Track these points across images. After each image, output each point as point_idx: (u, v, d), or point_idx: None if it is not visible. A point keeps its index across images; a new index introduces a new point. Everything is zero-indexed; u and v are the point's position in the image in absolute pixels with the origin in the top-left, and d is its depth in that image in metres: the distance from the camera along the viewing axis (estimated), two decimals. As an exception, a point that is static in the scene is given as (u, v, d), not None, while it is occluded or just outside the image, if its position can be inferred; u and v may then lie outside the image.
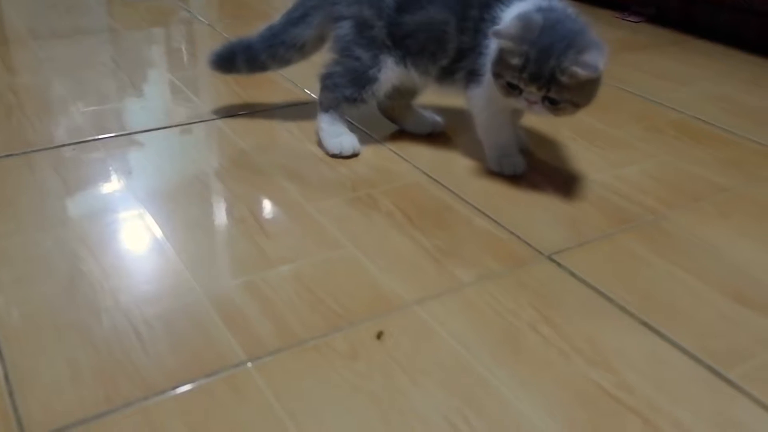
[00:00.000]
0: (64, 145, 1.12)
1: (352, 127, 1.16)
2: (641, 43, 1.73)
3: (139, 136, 1.16)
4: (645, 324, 0.76)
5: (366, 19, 1.05)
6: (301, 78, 1.36)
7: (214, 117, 1.24)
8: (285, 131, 1.20)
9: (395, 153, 1.13)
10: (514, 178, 1.05)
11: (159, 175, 1.05)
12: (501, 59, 0.93)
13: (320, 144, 1.13)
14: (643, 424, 0.64)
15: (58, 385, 0.66)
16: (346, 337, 0.73)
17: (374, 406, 0.65)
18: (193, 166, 1.07)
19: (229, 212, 0.95)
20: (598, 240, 0.91)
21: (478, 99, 1.02)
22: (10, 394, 0.65)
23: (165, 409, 0.64)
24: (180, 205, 0.96)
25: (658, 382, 0.69)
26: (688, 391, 0.68)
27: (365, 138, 1.16)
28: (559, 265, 0.86)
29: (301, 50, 1.15)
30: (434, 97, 1.15)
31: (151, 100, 1.33)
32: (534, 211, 0.97)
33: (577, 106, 0.93)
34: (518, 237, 0.91)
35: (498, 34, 0.91)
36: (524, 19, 0.91)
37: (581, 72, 0.87)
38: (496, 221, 0.95)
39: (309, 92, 1.35)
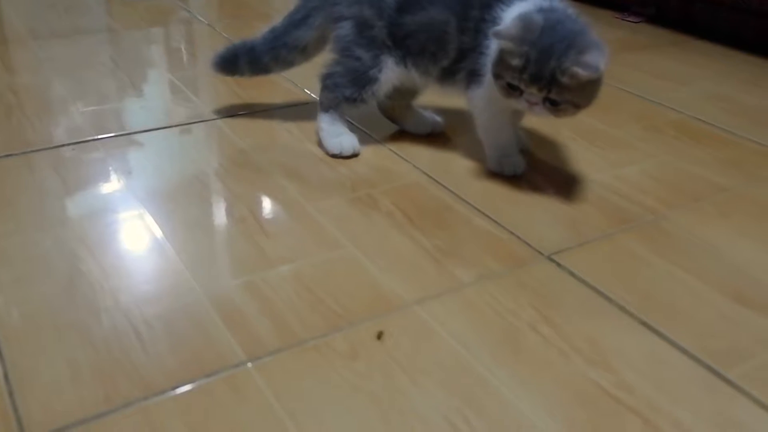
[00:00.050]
0: (63, 145, 1.12)
1: (352, 127, 1.16)
2: (641, 44, 1.73)
3: (138, 136, 1.16)
4: (645, 324, 0.76)
5: (366, 19, 1.05)
6: (301, 78, 1.36)
7: (214, 117, 1.24)
8: (285, 131, 1.20)
9: (395, 153, 1.13)
10: (514, 179, 1.05)
11: (159, 175, 1.04)
12: (501, 60, 0.93)
13: (320, 144, 1.13)
14: (642, 424, 0.64)
15: (58, 385, 0.66)
16: (346, 337, 0.73)
17: (374, 406, 0.65)
18: (193, 166, 1.07)
19: (229, 212, 0.95)
20: (597, 240, 0.91)
21: (479, 99, 1.02)
22: (10, 394, 0.65)
23: (165, 409, 0.64)
24: (180, 205, 0.96)
25: (657, 381, 0.69)
26: (688, 391, 0.68)
27: (365, 138, 1.16)
28: (558, 265, 0.86)
29: (304, 52, 1.15)
30: (434, 98, 1.15)
31: (151, 100, 1.33)
32: (534, 211, 0.97)
33: (577, 106, 0.93)
34: (518, 237, 0.91)
35: (498, 35, 0.91)
36: (525, 20, 0.91)
37: (582, 72, 0.87)
38: (496, 221, 0.95)
39: (309, 92, 1.35)
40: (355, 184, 1.03)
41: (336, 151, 1.10)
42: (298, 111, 1.27)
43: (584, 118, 0.97)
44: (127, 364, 0.69)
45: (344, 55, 1.08)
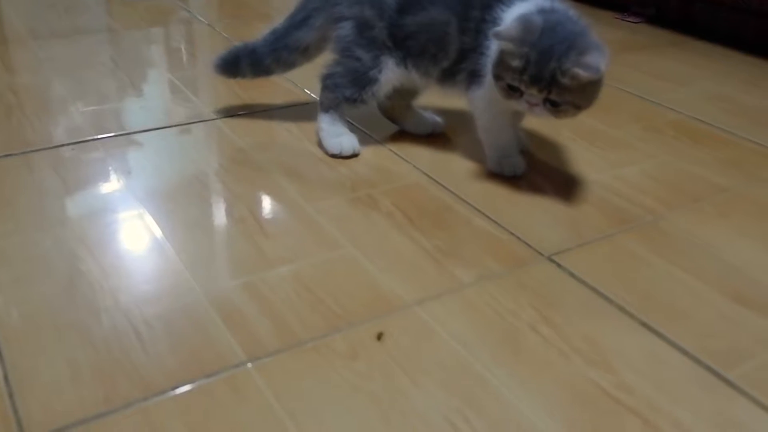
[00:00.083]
0: (63, 145, 1.12)
1: (352, 128, 1.16)
2: (640, 44, 1.73)
3: (138, 136, 1.16)
4: (644, 324, 0.76)
5: (367, 19, 1.05)
6: (301, 78, 1.36)
7: (214, 117, 1.24)
8: (285, 131, 1.20)
9: (395, 153, 1.13)
10: (514, 179, 1.05)
11: (158, 175, 1.04)
12: (501, 61, 0.92)
13: (320, 144, 1.13)
14: (642, 425, 0.64)
15: (58, 385, 0.66)
16: (346, 338, 0.73)
17: (374, 406, 0.65)
18: (193, 166, 1.07)
19: (229, 212, 0.95)
20: (597, 240, 0.91)
21: (480, 100, 1.02)
22: (10, 394, 0.65)
23: (165, 410, 0.64)
24: (179, 205, 0.96)
25: (657, 382, 0.69)
26: (688, 391, 0.68)
27: (365, 138, 1.16)
28: (558, 265, 0.86)
29: (305, 53, 1.15)
30: (434, 98, 1.15)
31: (151, 100, 1.33)
32: (534, 211, 0.97)
33: (578, 107, 0.93)
34: (518, 237, 0.91)
35: (498, 36, 0.91)
36: (525, 21, 0.91)
37: (582, 73, 0.87)
38: (496, 222, 0.95)
39: (309, 92, 1.35)
40: (355, 184, 1.03)
41: (336, 152, 1.10)
42: (298, 111, 1.27)
43: (584, 118, 0.97)
44: (127, 364, 0.69)
45: (344, 55, 1.08)
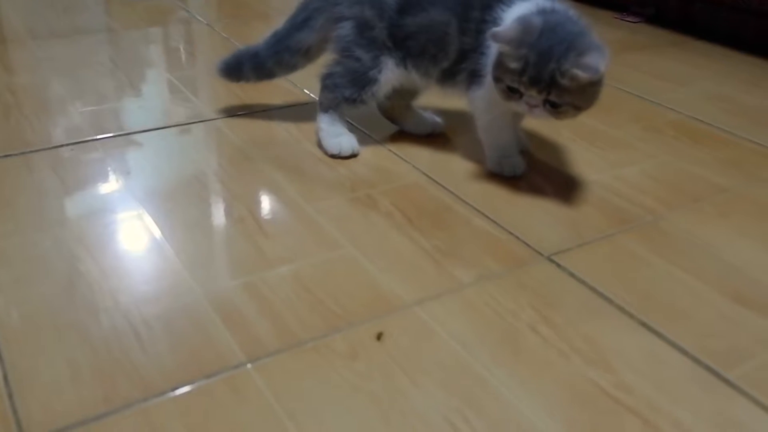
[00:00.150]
0: (62, 146, 1.11)
1: (352, 128, 1.16)
2: (640, 44, 1.73)
3: (137, 136, 1.16)
4: (644, 324, 0.76)
5: (367, 19, 1.05)
6: (301, 78, 1.36)
7: (213, 117, 1.24)
8: (284, 131, 1.19)
9: (395, 153, 1.13)
10: (514, 179, 1.05)
11: (158, 175, 1.04)
12: (500, 63, 0.92)
13: (319, 144, 1.12)
14: (642, 425, 0.64)
15: (58, 385, 0.66)
16: (346, 338, 0.73)
17: (374, 406, 0.65)
18: (192, 166, 1.07)
19: (228, 212, 0.95)
20: (597, 241, 0.91)
21: (480, 100, 1.02)
22: (10, 395, 0.65)
23: (164, 410, 0.64)
24: (179, 205, 0.96)
25: (657, 382, 0.69)
26: (688, 391, 0.68)
27: (365, 138, 1.16)
28: (558, 265, 0.86)
29: (307, 54, 1.15)
30: (434, 98, 1.15)
31: (150, 100, 1.33)
32: (533, 211, 0.97)
33: (578, 109, 0.93)
34: (518, 238, 0.91)
35: (496, 37, 0.90)
36: (523, 22, 0.90)
37: (582, 75, 0.87)
38: (495, 222, 0.94)
39: (308, 92, 1.35)
40: (355, 184, 1.03)
41: (335, 152, 1.10)
42: (297, 111, 1.27)
43: (584, 119, 0.97)
44: (127, 364, 0.69)
45: (344, 55, 1.07)
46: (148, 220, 0.92)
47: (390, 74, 1.06)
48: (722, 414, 0.65)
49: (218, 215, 0.95)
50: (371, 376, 0.68)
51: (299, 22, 1.12)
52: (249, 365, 0.69)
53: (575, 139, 1.20)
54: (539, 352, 0.72)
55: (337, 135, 1.10)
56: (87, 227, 0.90)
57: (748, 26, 1.69)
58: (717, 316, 0.78)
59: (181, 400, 0.65)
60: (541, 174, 1.07)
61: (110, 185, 1.01)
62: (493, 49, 0.96)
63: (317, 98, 1.13)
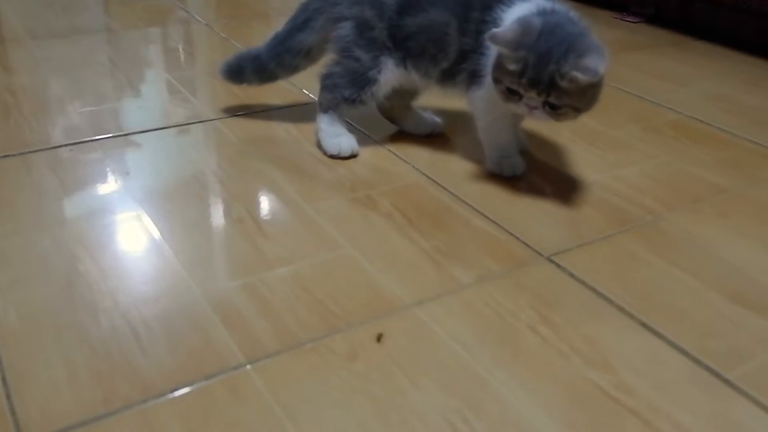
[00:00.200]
0: (61, 146, 1.11)
1: (351, 128, 1.16)
2: (640, 44, 1.73)
3: (136, 137, 1.16)
4: (644, 325, 0.76)
5: (367, 20, 1.05)
6: (300, 78, 1.36)
7: (212, 117, 1.24)
8: (283, 131, 1.19)
9: (394, 154, 1.13)
10: (514, 180, 1.05)
11: (156, 175, 1.04)
12: (500, 64, 0.92)
13: (319, 144, 1.12)
14: (642, 425, 0.64)
15: (56, 386, 0.66)
16: (345, 338, 0.73)
17: (374, 407, 0.65)
18: (191, 167, 1.07)
19: (227, 213, 0.95)
20: (597, 241, 0.91)
21: (480, 101, 1.02)
22: (8, 396, 0.65)
23: (164, 412, 0.63)
24: (178, 205, 0.96)
25: (657, 382, 0.68)
26: (688, 391, 0.68)
27: (364, 139, 1.16)
28: (558, 266, 0.86)
29: (308, 55, 1.15)
30: (434, 98, 1.15)
31: (149, 101, 1.33)
32: (533, 212, 0.97)
33: (578, 110, 0.92)
34: (517, 238, 0.91)
35: (494, 39, 0.90)
36: (522, 24, 0.90)
37: (581, 76, 0.87)
38: (495, 222, 0.94)
39: (307, 93, 1.34)
40: (354, 184, 1.03)
41: (335, 152, 1.09)
42: (296, 111, 1.27)
43: (584, 119, 0.97)
44: (126, 365, 0.68)
45: (344, 55, 1.07)
46: (147, 221, 0.92)
47: (390, 74, 1.06)
48: (722, 415, 0.65)
49: (217, 216, 0.95)
50: (371, 376, 0.68)
51: (300, 23, 1.12)
52: (248, 366, 0.69)
53: (575, 139, 1.19)
54: (539, 352, 0.72)
55: (337, 135, 1.10)
56: (86, 228, 0.90)
57: (748, 26, 1.69)
58: (717, 316, 0.78)
59: (181, 401, 0.65)
60: (540, 174, 1.07)
61: (109, 186, 1.01)
62: (492, 50, 0.96)
63: (317, 98, 1.13)
